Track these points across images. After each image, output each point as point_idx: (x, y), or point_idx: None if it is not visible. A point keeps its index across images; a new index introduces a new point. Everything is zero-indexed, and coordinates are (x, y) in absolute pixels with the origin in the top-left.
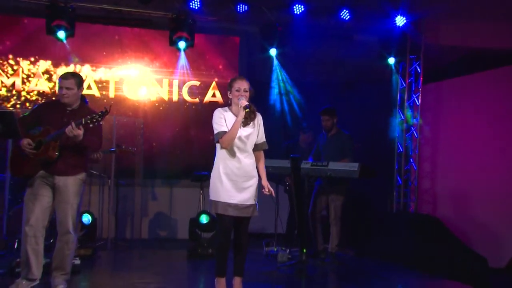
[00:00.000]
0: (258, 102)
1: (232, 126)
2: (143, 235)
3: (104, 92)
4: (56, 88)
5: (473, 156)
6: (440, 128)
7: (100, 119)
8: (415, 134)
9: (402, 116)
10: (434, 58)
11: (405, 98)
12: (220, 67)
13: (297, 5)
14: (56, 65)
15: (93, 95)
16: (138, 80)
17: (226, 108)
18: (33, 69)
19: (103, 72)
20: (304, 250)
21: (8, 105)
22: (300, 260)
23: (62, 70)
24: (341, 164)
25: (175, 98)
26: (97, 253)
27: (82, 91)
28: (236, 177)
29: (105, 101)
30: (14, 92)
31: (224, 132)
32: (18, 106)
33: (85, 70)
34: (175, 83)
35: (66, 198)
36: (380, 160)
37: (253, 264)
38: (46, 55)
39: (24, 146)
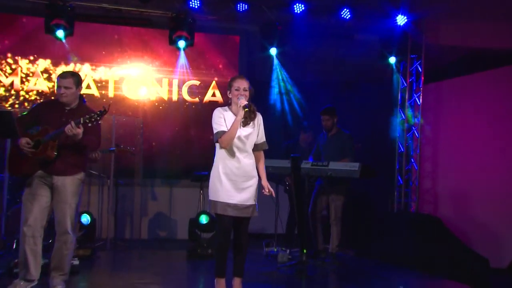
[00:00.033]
0: (258, 102)
1: (231, 126)
2: (143, 235)
3: (103, 92)
4: (55, 88)
5: (474, 156)
6: (441, 128)
7: (98, 118)
8: (416, 134)
9: (403, 116)
10: (435, 58)
11: (406, 97)
12: (220, 66)
13: (297, 4)
14: (55, 64)
15: (93, 95)
16: (137, 80)
17: (226, 107)
18: (32, 69)
19: (102, 72)
20: (305, 251)
21: (7, 105)
22: (301, 260)
23: (62, 69)
24: (341, 164)
25: (174, 97)
26: (96, 254)
27: (80, 90)
28: (236, 177)
29: (104, 100)
30: (12, 92)
31: (224, 132)
32: (16, 106)
33: (84, 70)
34: (175, 82)
35: (65, 198)
36: (381, 160)
37: (253, 264)
38: (45, 54)
39: (22, 145)
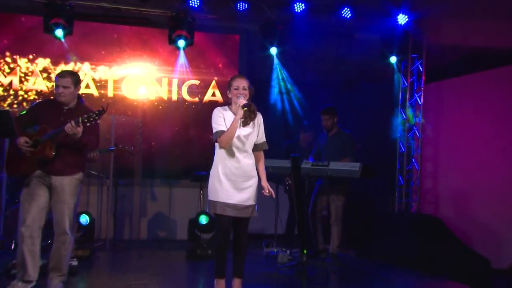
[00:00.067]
0: (258, 101)
1: (231, 125)
2: (142, 236)
3: (102, 91)
4: (54, 87)
5: (475, 156)
6: (442, 127)
7: (97, 117)
8: (417, 134)
9: (404, 116)
10: (436, 57)
11: (407, 97)
12: (220, 65)
13: (297, 3)
14: (54, 63)
15: (92, 94)
16: (137, 79)
17: (226, 107)
18: (31, 68)
19: (101, 71)
20: (305, 251)
21: (5, 105)
22: (301, 261)
23: (61, 69)
24: (342, 164)
25: (174, 97)
26: (95, 254)
27: (79, 89)
28: (235, 177)
29: (103, 100)
30: (11, 91)
31: (223, 131)
32: (15, 105)
33: (83, 69)
34: (175, 82)
35: (63, 198)
36: (381, 160)
37: (253, 265)
38: (44, 53)
39: (21, 145)
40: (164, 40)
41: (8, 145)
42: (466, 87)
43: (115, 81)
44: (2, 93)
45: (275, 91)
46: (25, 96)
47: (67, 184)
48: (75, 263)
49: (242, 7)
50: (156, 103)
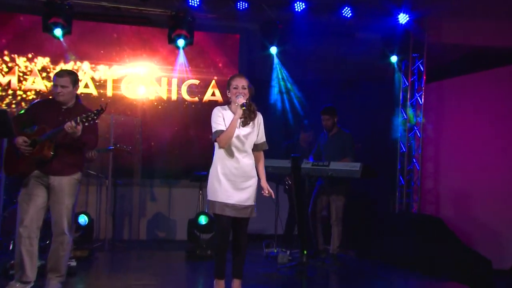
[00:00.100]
0: (258, 101)
1: (229, 125)
2: (141, 236)
3: (101, 91)
4: (52, 87)
5: (476, 156)
6: (443, 127)
7: (95, 117)
8: (418, 134)
9: (405, 115)
10: (437, 57)
11: (408, 97)
12: (220, 65)
13: (298, 3)
14: (53, 63)
15: (91, 94)
16: (136, 79)
17: (226, 106)
18: (30, 67)
19: (101, 71)
20: (305, 252)
21: (3, 105)
22: (301, 261)
23: (60, 68)
24: (342, 164)
25: (174, 97)
26: (94, 255)
27: (77, 89)
28: (235, 177)
29: (102, 99)
30: (10, 91)
31: (222, 131)
32: (13, 105)
33: (82, 68)
34: (174, 81)
35: (61, 199)
36: (382, 160)
37: (252, 265)
38: (43, 52)
39: (19, 144)
40: (164, 39)
41: (6, 145)
42: (467, 87)
43: (114, 81)
44: (0, 93)
45: (275, 90)
46: (24, 95)
47: (65, 184)
48: (73, 263)
49: (242, 6)
50: (155, 103)
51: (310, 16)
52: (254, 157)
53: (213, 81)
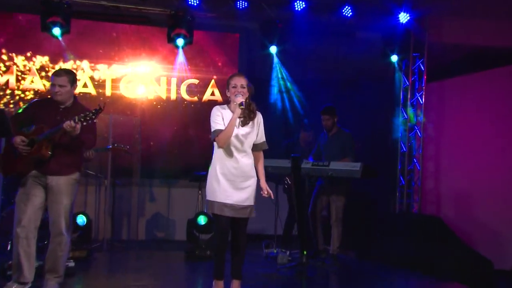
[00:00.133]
0: (258, 100)
1: (228, 124)
2: (140, 236)
3: (100, 90)
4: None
5: (478, 156)
6: (444, 127)
7: (94, 117)
8: (419, 134)
9: (405, 115)
10: (437, 56)
11: (408, 96)
12: (219, 64)
13: (298, 2)
14: (52, 62)
15: (90, 93)
16: (135, 78)
17: (225, 106)
18: (28, 66)
19: (99, 70)
20: (305, 252)
21: (1, 104)
22: (301, 262)
23: (59, 67)
24: (342, 164)
25: (173, 96)
26: (93, 255)
27: (75, 88)
28: (234, 177)
29: (101, 99)
30: (8, 91)
31: (221, 130)
32: (11, 105)
33: (81, 68)
34: (173, 81)
35: (59, 199)
36: (382, 160)
37: (252, 266)
38: (41, 51)
39: (17, 144)
40: (163, 38)
41: (4, 145)
42: (468, 87)
43: (113, 80)
44: None
45: (275, 90)
46: (22, 95)
47: (63, 184)
48: (72, 264)
49: (242, 5)
50: (154, 102)
51: (310, 15)
52: (254, 157)
53: (213, 81)
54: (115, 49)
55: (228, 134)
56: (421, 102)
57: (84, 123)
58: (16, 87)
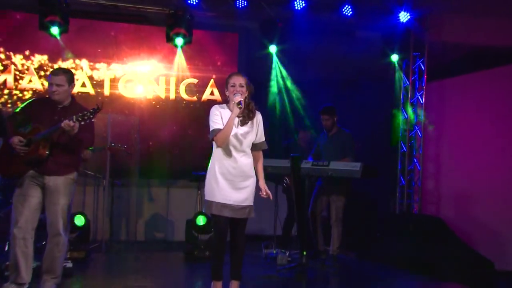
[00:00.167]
0: (257, 100)
1: (226, 123)
2: (139, 237)
3: (99, 90)
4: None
5: (478, 156)
6: (445, 127)
7: (92, 116)
8: (419, 133)
9: (406, 115)
10: (438, 56)
11: (409, 96)
12: (219, 64)
13: (297, 1)
14: (50, 61)
15: (88, 93)
16: (134, 78)
17: (224, 105)
18: (26, 65)
19: (98, 69)
20: (304, 253)
21: None
22: (300, 262)
23: (57, 66)
24: (342, 164)
25: (172, 96)
26: (91, 256)
27: (73, 87)
28: (233, 177)
29: (99, 98)
30: (5, 91)
31: (219, 130)
32: (9, 105)
33: (79, 67)
34: (172, 80)
35: (57, 199)
36: (383, 159)
37: (251, 267)
38: (40, 50)
39: (15, 144)
40: (162, 38)
41: (0, 145)
42: (468, 86)
43: (112, 80)
44: None
45: (274, 90)
46: (20, 95)
47: (61, 184)
48: (69, 265)
49: (241, 4)
50: (153, 102)
51: (310, 14)
52: (253, 157)
53: (212, 80)
54: (113, 49)
55: (227, 133)
56: (422, 101)
57: (82, 123)
58: (14, 87)
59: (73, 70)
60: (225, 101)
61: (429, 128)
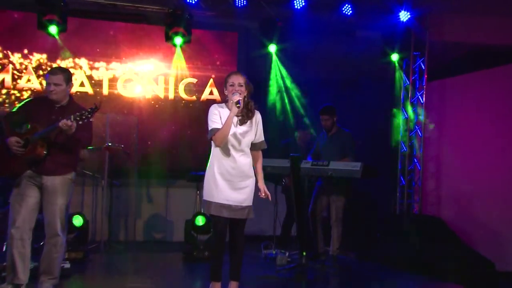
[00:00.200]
0: (256, 99)
1: (224, 123)
2: (138, 237)
3: (97, 89)
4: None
5: (478, 156)
6: (445, 127)
7: (90, 115)
8: (419, 133)
9: (406, 115)
10: (438, 55)
11: (409, 96)
12: (218, 63)
13: (297, 0)
14: (49, 60)
15: (86, 93)
16: (133, 77)
17: (223, 104)
18: (24, 65)
19: (97, 69)
20: (304, 253)
21: None
22: (300, 263)
23: (56, 66)
24: (342, 164)
25: (171, 95)
26: (89, 256)
27: (71, 87)
28: (232, 177)
29: (98, 98)
30: (3, 90)
31: (218, 129)
32: (7, 105)
33: (78, 67)
34: (171, 80)
35: (54, 199)
36: (383, 159)
37: (251, 267)
38: (38, 50)
39: (12, 144)
40: (161, 37)
41: None
42: (469, 86)
43: (110, 79)
44: None
45: (273, 89)
46: (18, 94)
47: (59, 184)
48: (68, 265)
49: (241, 3)
50: (152, 102)
51: (310, 13)
52: (252, 157)
53: (211, 80)
54: (112, 48)
55: (225, 133)
56: (422, 101)
57: (80, 122)
58: (12, 86)
59: (71, 70)
60: (224, 100)
61: (430, 128)
